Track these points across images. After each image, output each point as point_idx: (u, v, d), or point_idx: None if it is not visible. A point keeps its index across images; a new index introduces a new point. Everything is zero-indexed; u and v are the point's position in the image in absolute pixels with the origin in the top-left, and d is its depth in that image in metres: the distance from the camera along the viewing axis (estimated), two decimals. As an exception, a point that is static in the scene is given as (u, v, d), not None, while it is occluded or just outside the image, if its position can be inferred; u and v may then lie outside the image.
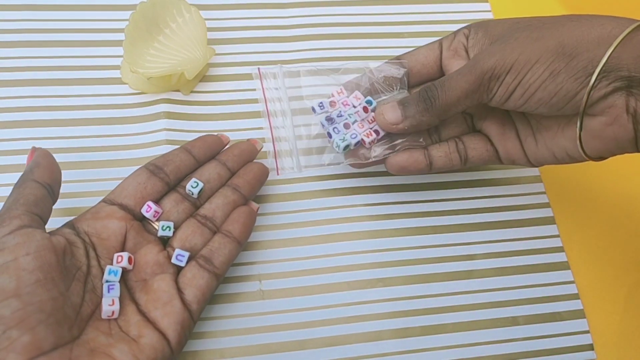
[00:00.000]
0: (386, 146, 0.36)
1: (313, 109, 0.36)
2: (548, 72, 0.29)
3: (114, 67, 0.42)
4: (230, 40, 0.45)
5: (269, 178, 0.38)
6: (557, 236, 0.41)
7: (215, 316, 0.36)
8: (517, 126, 0.35)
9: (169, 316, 0.30)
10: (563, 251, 0.40)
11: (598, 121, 0.30)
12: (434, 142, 0.37)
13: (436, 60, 0.36)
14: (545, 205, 0.42)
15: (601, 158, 0.32)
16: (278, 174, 0.36)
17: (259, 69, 0.38)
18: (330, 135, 0.36)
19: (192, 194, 0.34)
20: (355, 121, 0.36)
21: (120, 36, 0.40)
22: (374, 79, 0.37)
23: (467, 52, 0.35)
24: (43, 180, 0.31)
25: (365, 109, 0.36)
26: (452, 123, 0.37)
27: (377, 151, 0.36)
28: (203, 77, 0.43)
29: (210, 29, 0.43)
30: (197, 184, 0.34)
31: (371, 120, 0.36)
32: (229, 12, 0.46)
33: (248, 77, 0.44)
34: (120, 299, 0.30)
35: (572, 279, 0.39)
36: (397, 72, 0.37)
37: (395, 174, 0.36)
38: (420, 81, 0.37)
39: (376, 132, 0.36)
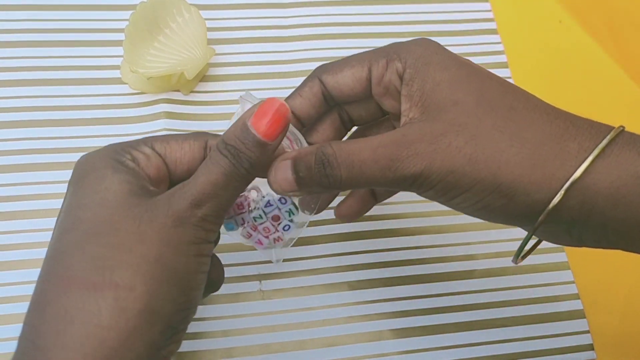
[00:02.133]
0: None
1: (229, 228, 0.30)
2: (481, 204, 0.25)
3: (114, 67, 0.42)
4: (230, 40, 0.45)
5: None
6: (557, 236, 0.41)
7: (216, 316, 0.36)
8: None
9: None
10: (563, 251, 0.40)
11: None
12: None
13: (363, 89, 0.29)
14: (545, 205, 0.42)
15: None
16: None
17: None
18: (261, 243, 0.30)
19: None
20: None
21: (120, 36, 0.40)
22: None
23: (399, 94, 0.28)
24: None
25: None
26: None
27: (315, 205, 0.30)
28: (203, 77, 0.43)
29: (210, 29, 0.43)
30: None
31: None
32: (229, 12, 0.46)
33: (248, 77, 0.44)
34: None
35: (572, 279, 0.39)
36: None
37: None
38: (346, 101, 0.30)
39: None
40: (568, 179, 0.24)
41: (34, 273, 0.35)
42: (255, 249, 0.32)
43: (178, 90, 0.42)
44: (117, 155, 0.25)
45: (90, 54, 0.43)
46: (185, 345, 0.35)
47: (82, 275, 0.22)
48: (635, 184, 0.24)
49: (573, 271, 0.40)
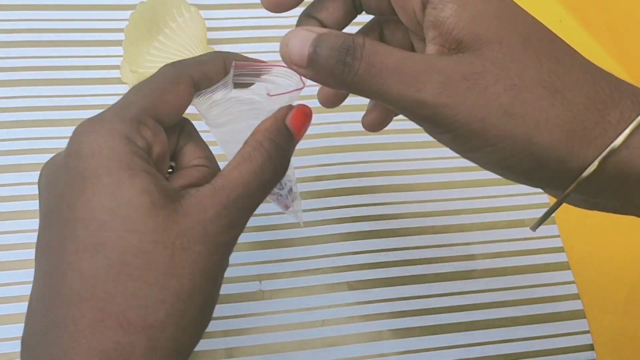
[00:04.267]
0: None
1: None
2: (505, 164, 0.23)
3: (114, 67, 0.42)
4: (230, 40, 0.45)
5: None
6: (558, 236, 0.41)
7: (216, 316, 0.36)
8: None
9: None
10: (563, 251, 0.40)
11: None
12: None
13: None
14: (546, 205, 0.42)
15: None
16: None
17: None
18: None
19: None
20: None
21: (120, 36, 0.40)
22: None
23: (415, 16, 0.24)
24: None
25: None
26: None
27: None
28: (203, 77, 0.43)
29: (210, 29, 0.43)
30: None
31: None
32: (229, 12, 0.46)
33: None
34: None
35: (572, 279, 0.39)
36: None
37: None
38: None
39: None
40: (605, 149, 0.22)
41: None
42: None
43: (178, 90, 0.42)
44: (129, 144, 0.21)
45: (90, 54, 0.43)
46: (185, 345, 0.35)
47: (118, 311, 0.20)
48: None
49: (573, 271, 0.40)
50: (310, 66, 0.23)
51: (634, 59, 0.48)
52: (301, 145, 0.36)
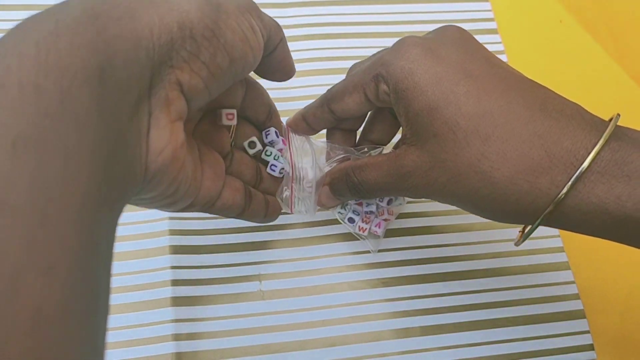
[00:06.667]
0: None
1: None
2: (477, 211, 0.29)
3: (113, 67, 0.42)
4: (230, 40, 0.45)
5: None
6: (557, 236, 0.41)
7: (215, 316, 0.36)
8: None
9: None
10: (563, 251, 0.40)
11: None
12: None
13: (369, 107, 0.32)
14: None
15: None
16: (292, 211, 0.35)
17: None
18: (352, 221, 0.37)
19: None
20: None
21: (120, 36, 0.40)
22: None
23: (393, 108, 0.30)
24: None
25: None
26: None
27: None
28: (203, 77, 0.43)
29: (210, 29, 0.43)
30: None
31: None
32: (229, 12, 0.46)
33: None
34: None
35: (573, 279, 0.39)
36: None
37: None
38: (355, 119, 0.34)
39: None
40: (539, 216, 0.26)
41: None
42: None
43: (178, 90, 0.42)
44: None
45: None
46: (186, 346, 0.35)
47: None
48: (602, 219, 0.25)
49: (573, 271, 0.40)
50: (342, 201, 0.35)
51: (634, 59, 0.48)
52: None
